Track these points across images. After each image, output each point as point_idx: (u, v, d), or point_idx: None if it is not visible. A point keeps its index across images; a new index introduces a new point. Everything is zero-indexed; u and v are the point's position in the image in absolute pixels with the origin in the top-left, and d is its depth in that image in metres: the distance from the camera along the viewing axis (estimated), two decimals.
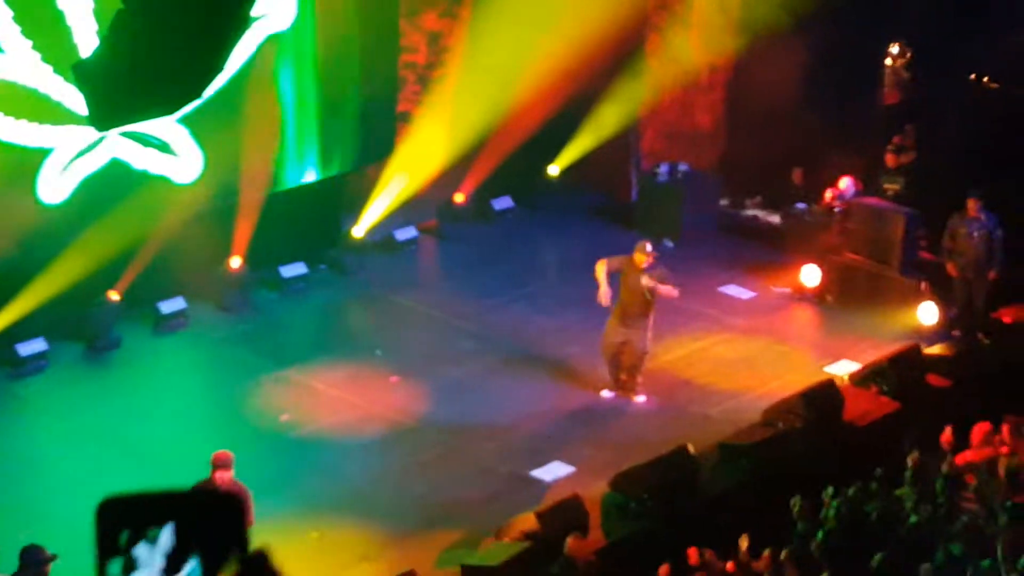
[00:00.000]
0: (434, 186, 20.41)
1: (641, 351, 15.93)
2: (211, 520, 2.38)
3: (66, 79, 15.45)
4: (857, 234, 18.69)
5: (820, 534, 12.29)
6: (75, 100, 15.52)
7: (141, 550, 2.40)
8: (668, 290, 15.86)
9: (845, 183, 19.22)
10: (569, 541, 12.75)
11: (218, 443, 14.78)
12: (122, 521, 2.40)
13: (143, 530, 2.36)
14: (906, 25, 21.29)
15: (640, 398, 16.10)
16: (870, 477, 13.16)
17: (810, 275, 18.75)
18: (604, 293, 15.76)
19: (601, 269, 15.82)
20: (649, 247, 15.89)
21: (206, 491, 2.34)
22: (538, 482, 14.67)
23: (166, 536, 2.40)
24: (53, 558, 11.48)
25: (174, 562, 2.38)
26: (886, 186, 19.86)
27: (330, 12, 18.45)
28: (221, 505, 2.41)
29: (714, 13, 20.92)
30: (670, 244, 20.22)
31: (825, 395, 15.38)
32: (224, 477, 12.31)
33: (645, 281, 15.72)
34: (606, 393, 16.12)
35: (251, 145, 17.93)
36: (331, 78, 18.72)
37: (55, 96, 15.92)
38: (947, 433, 13.91)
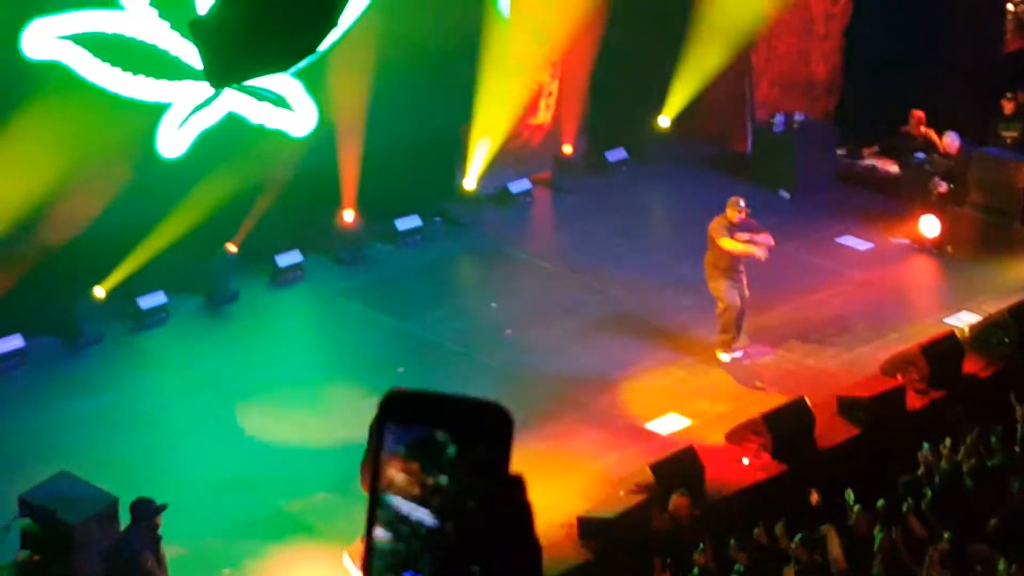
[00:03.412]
0: (547, 138, 20.40)
1: (748, 301, 15.72)
2: (480, 429, 2.46)
3: (183, 35, 15.60)
4: (977, 183, 18.39)
5: (936, 484, 12.19)
6: (192, 56, 15.66)
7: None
8: (752, 249, 15.57)
9: (949, 138, 18.95)
10: (674, 498, 12.77)
11: (334, 394, 15.00)
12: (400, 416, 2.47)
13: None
14: None
15: (739, 352, 15.89)
16: (990, 431, 13.00)
17: (929, 225, 18.48)
18: (756, 250, 15.53)
19: (734, 244, 15.49)
20: (742, 203, 15.61)
21: (482, 402, 2.36)
22: (654, 435, 14.64)
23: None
24: (163, 508, 11.65)
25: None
26: (1003, 133, 19.50)
27: None
28: (494, 418, 2.47)
29: None
30: (786, 195, 20.06)
31: (945, 348, 15.20)
32: None
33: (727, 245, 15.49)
34: (739, 354, 15.86)
35: (365, 98, 18.00)
36: (445, 30, 18.76)
37: (173, 52, 16.09)
38: None
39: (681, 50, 20.50)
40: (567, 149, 20.77)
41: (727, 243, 15.41)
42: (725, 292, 15.57)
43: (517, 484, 2.43)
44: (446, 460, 2.39)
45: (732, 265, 15.53)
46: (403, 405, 2.42)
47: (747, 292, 15.65)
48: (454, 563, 2.37)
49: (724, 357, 15.81)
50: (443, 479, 2.38)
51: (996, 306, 16.27)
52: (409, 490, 2.39)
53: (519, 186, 20.07)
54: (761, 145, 20.88)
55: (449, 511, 2.38)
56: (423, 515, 2.38)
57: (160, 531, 11.71)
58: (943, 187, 18.59)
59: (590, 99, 20.80)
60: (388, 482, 2.40)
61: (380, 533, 2.41)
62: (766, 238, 15.63)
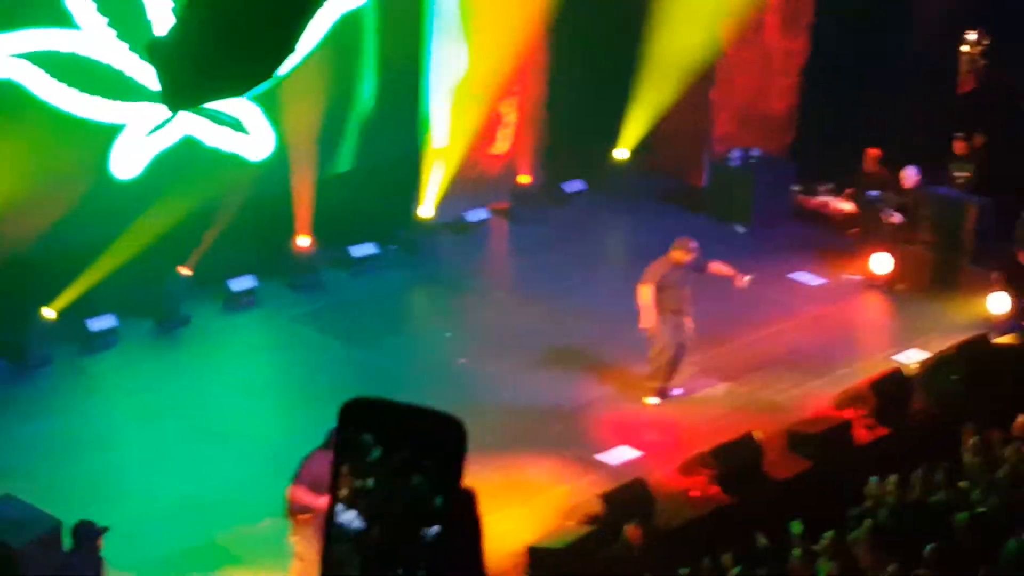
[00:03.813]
0: (505, 168, 20.43)
1: (694, 336, 15.71)
2: (434, 440, 2.47)
3: (140, 56, 15.56)
4: (929, 222, 18.53)
5: (881, 518, 12.24)
6: (148, 77, 15.61)
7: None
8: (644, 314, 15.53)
9: (912, 172, 19.06)
10: (627, 529, 12.77)
11: (285, 421, 14.95)
12: (362, 423, 2.49)
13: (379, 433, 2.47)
14: (984, 11, 21.12)
15: (679, 390, 15.92)
16: (936, 467, 13.07)
17: (881, 263, 18.60)
18: (649, 320, 15.44)
19: (648, 294, 15.45)
20: (692, 244, 15.63)
21: (439, 413, 2.38)
22: (605, 465, 14.64)
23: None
24: (104, 531, 11.60)
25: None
26: (956, 174, 19.66)
27: None
28: (446, 429, 2.47)
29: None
30: (741, 229, 20.13)
31: (894, 384, 15.30)
32: None
33: (724, 270, 15.65)
34: (677, 391, 15.89)
35: (323, 124, 18.00)
36: (404, 58, 18.79)
37: (128, 73, 16.03)
38: (1020, 421, 13.78)
39: (638, 83, 20.59)
40: (525, 179, 20.79)
41: (643, 291, 15.38)
42: (663, 333, 15.53)
43: (467, 497, 2.44)
44: (371, 463, 2.40)
45: (678, 306, 15.48)
46: (361, 412, 2.44)
47: (691, 332, 15.63)
48: (378, 567, 2.39)
49: (652, 400, 15.78)
50: (369, 482, 2.40)
51: (945, 343, 16.37)
52: (340, 493, 2.41)
53: (476, 215, 20.08)
54: (718, 179, 20.96)
55: (375, 514, 2.39)
56: (351, 517, 2.40)
57: (103, 554, 11.65)
58: (896, 217, 18.71)
59: (548, 130, 20.84)
60: (332, 487, 2.43)
61: (333, 541, 2.43)
62: (740, 277, 15.72)
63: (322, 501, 12.11)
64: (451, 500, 2.39)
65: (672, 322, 15.44)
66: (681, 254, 15.42)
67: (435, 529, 2.37)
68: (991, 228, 18.36)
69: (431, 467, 2.38)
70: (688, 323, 15.55)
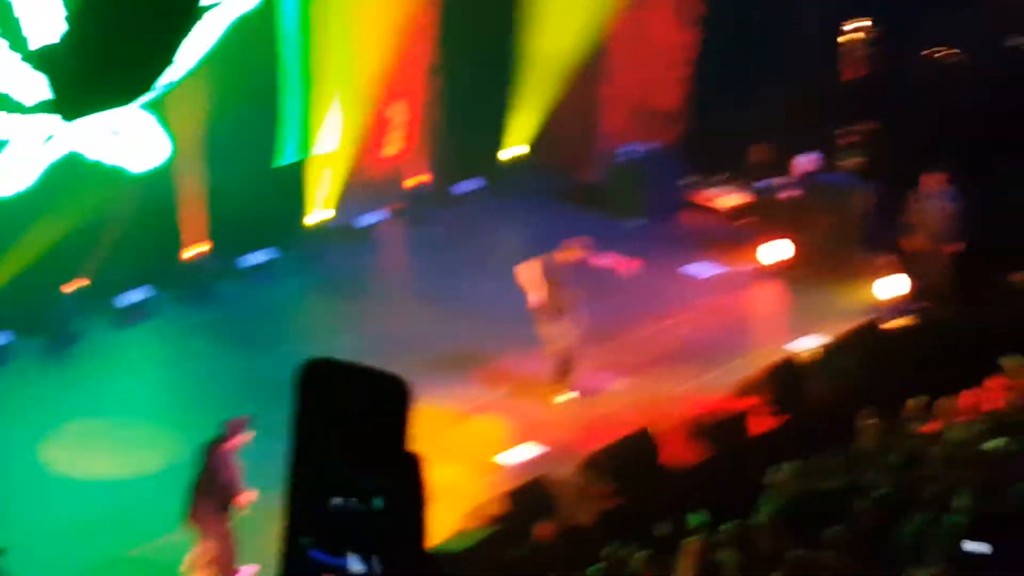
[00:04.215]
0: (397, 170, 20.36)
1: (584, 333, 15.77)
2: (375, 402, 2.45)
3: (18, 70, 15.30)
4: (820, 210, 18.70)
5: (782, 504, 12.30)
6: (29, 91, 15.36)
7: None
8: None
9: (803, 161, 19.25)
10: (537, 527, 12.75)
11: (180, 435, 14.78)
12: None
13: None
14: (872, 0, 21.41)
15: (576, 386, 15.97)
16: (834, 452, 13.17)
17: (773, 252, 18.73)
18: (538, 297, 15.55)
19: (524, 274, 15.58)
20: (581, 243, 15.61)
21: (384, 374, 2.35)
22: (504, 466, 14.61)
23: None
24: (2, 551, 11.49)
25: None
26: (843, 162, 19.85)
27: None
28: (390, 389, 2.45)
29: None
30: (636, 223, 20.19)
31: (790, 372, 15.41)
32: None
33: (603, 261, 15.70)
34: (574, 388, 15.93)
35: (210, 132, 17.83)
36: (293, 63, 18.69)
37: (5, 87, 15.76)
38: (911, 405, 13.92)
39: (528, 80, 20.62)
40: (418, 181, 20.73)
41: (521, 270, 15.48)
42: (558, 333, 15.59)
43: (409, 461, 2.43)
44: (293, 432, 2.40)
45: (570, 304, 15.53)
46: (321, 371, 2.45)
47: (580, 330, 15.68)
48: (293, 536, 2.38)
49: (560, 399, 15.83)
50: (290, 450, 2.41)
51: (839, 329, 16.51)
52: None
53: (369, 219, 19.99)
54: (611, 175, 21.01)
55: (290, 484, 2.40)
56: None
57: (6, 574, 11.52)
58: (789, 198, 18.84)
59: (439, 130, 20.81)
60: None
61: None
62: (630, 268, 15.79)
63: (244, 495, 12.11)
64: (390, 463, 2.37)
65: (564, 320, 15.50)
66: (569, 254, 15.48)
67: (341, 500, 2.36)
68: (881, 214, 18.56)
69: (340, 438, 2.37)
70: (578, 320, 15.60)
